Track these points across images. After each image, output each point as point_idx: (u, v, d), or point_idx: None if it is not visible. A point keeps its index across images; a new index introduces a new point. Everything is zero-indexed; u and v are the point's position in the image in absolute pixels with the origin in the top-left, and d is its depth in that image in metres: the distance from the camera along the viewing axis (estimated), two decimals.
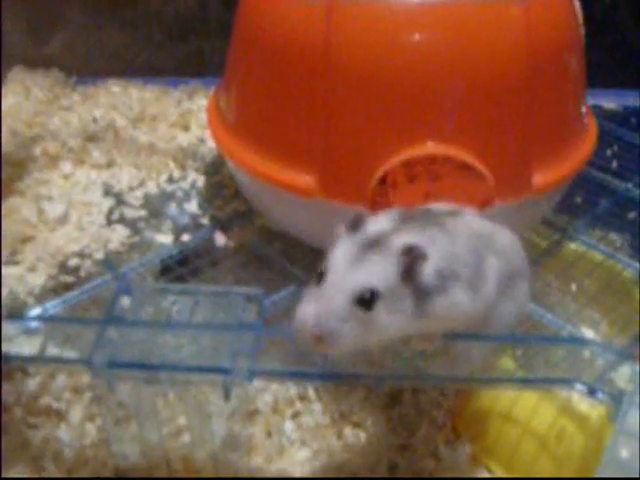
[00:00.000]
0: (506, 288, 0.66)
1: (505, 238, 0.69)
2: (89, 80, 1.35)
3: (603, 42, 1.30)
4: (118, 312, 0.76)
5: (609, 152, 1.14)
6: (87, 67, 1.40)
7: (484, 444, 0.79)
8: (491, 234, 0.67)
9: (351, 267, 0.58)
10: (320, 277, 0.58)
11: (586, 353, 0.75)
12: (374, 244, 0.59)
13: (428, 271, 0.59)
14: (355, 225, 0.61)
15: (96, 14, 1.41)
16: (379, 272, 0.58)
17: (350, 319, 0.57)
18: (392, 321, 0.58)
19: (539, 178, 0.80)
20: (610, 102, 1.26)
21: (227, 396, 0.71)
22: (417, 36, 0.74)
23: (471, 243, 0.64)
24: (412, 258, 0.58)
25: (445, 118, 0.75)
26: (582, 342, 0.76)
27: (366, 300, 0.57)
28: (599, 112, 1.21)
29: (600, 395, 0.71)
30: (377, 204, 0.77)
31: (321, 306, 0.57)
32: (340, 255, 0.59)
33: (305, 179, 0.78)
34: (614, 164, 1.12)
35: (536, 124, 0.78)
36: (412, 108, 0.74)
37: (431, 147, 0.74)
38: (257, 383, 0.82)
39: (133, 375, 0.71)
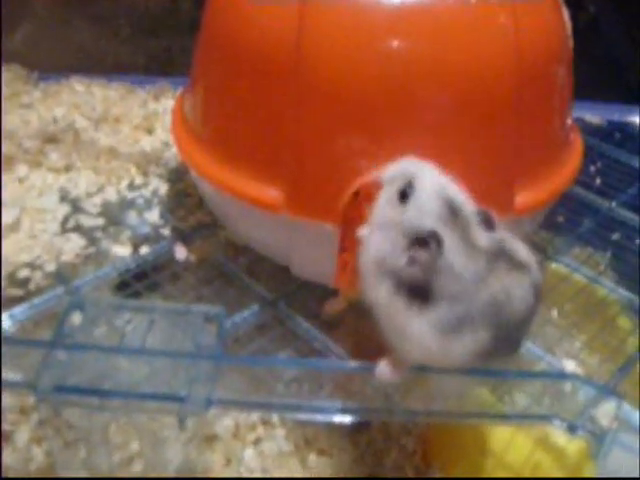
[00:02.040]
0: None
1: None
2: (52, 76, 1.29)
3: (587, 53, 1.26)
4: (68, 330, 0.73)
5: (592, 168, 1.10)
6: (50, 63, 1.33)
7: (456, 474, 0.76)
8: None
9: None
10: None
11: (567, 386, 0.72)
12: None
13: None
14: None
15: (62, 6, 1.38)
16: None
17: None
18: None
19: (522, 198, 0.75)
20: (593, 116, 1.22)
21: (182, 425, 0.68)
22: (395, 44, 0.69)
23: None
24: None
25: (423, 133, 0.70)
26: (561, 377, 0.72)
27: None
28: (582, 126, 1.17)
29: (580, 432, 0.68)
30: (348, 218, 0.72)
31: None
32: None
33: (272, 193, 0.73)
34: (598, 181, 1.08)
35: (520, 141, 0.73)
36: (388, 121, 0.69)
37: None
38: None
39: (82, 401, 0.67)
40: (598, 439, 0.68)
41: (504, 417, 0.72)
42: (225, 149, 0.78)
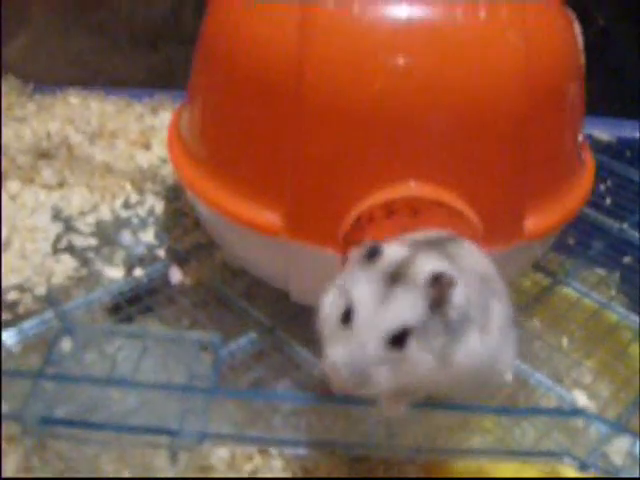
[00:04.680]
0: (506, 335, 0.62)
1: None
2: (48, 88, 1.26)
3: (596, 67, 1.24)
4: (58, 357, 0.72)
5: (602, 187, 1.07)
6: (47, 74, 1.30)
7: None
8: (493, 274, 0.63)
9: (380, 305, 0.56)
10: (346, 316, 0.57)
11: (578, 420, 0.69)
12: (397, 276, 0.57)
13: (458, 299, 0.57)
14: (371, 255, 0.58)
15: (59, 17, 1.34)
16: (409, 307, 0.56)
17: (385, 361, 0.55)
18: (424, 358, 0.56)
19: (532, 223, 0.72)
20: (603, 132, 1.19)
21: (174, 459, 0.67)
22: (400, 64, 0.66)
23: (478, 280, 0.61)
24: (441, 286, 0.56)
25: (429, 155, 0.67)
26: (573, 413, 0.69)
27: (398, 338, 0.55)
28: (592, 143, 1.14)
29: (592, 471, 0.65)
30: (350, 242, 0.69)
31: (353, 350, 0.55)
32: (364, 292, 0.57)
33: (270, 216, 0.70)
34: (608, 201, 1.05)
35: (530, 164, 0.70)
36: (392, 143, 0.67)
37: (413, 188, 0.67)
38: None
39: (69, 433, 0.66)
40: (610, 477, 0.66)
41: (512, 453, 0.69)
42: (222, 170, 0.75)
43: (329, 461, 0.75)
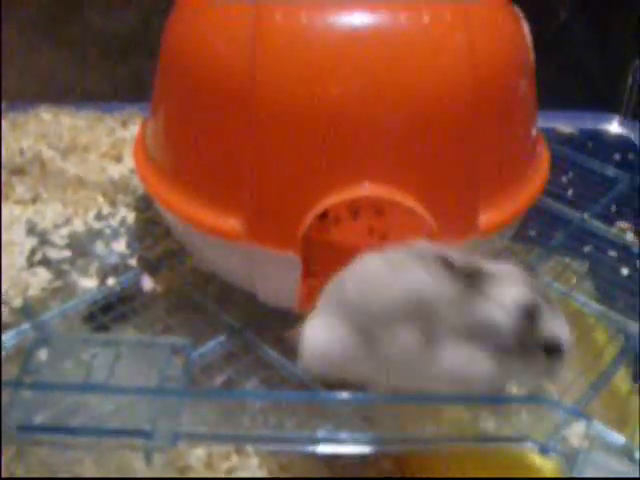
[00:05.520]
0: None
1: None
2: (19, 106, 1.27)
3: (558, 61, 1.26)
4: (35, 366, 0.72)
5: (564, 179, 1.09)
6: (17, 92, 1.31)
7: None
8: None
9: None
10: None
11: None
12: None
13: None
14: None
15: (29, 33, 1.35)
16: None
17: None
18: None
19: (487, 217, 0.74)
20: (566, 125, 1.21)
21: (149, 460, 0.67)
22: (349, 67, 0.68)
23: None
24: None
25: (382, 157, 0.70)
26: (530, 400, 0.71)
27: None
28: (554, 136, 1.17)
29: (552, 454, 0.67)
30: (314, 241, 0.73)
31: None
32: None
33: (231, 222, 0.72)
34: (570, 192, 1.07)
35: (482, 160, 0.73)
36: (345, 146, 0.69)
37: (368, 189, 0.69)
38: None
39: (49, 439, 0.67)
40: (570, 459, 0.67)
41: (474, 440, 0.71)
42: (184, 178, 0.77)
43: (304, 458, 0.77)
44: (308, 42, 0.69)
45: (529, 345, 0.62)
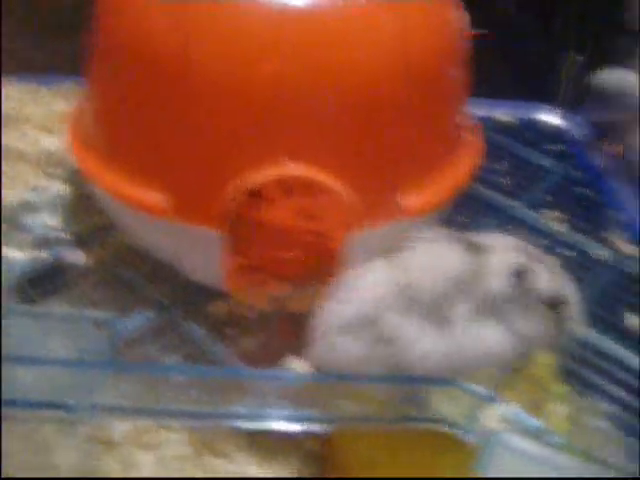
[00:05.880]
0: None
1: None
2: None
3: (501, 52, 1.27)
4: None
5: (499, 167, 1.10)
6: None
7: (355, 475, 0.75)
8: None
9: None
10: None
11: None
12: None
13: None
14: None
15: None
16: None
17: None
18: None
19: (411, 201, 0.75)
20: (505, 114, 1.22)
21: (74, 433, 0.70)
22: (282, 45, 0.68)
23: None
24: None
25: (307, 136, 0.70)
26: (448, 382, 0.72)
27: None
28: (493, 125, 1.18)
29: (467, 435, 0.69)
30: (244, 220, 0.73)
31: None
32: None
33: (156, 197, 0.72)
34: (505, 180, 1.08)
35: (407, 144, 0.74)
36: (270, 125, 0.69)
37: (291, 168, 0.69)
38: None
39: None
40: (483, 441, 0.69)
41: (392, 421, 0.72)
42: (113, 153, 0.77)
43: (230, 435, 0.77)
44: (242, 19, 0.69)
45: (532, 306, 0.64)
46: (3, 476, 0.70)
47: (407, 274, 0.64)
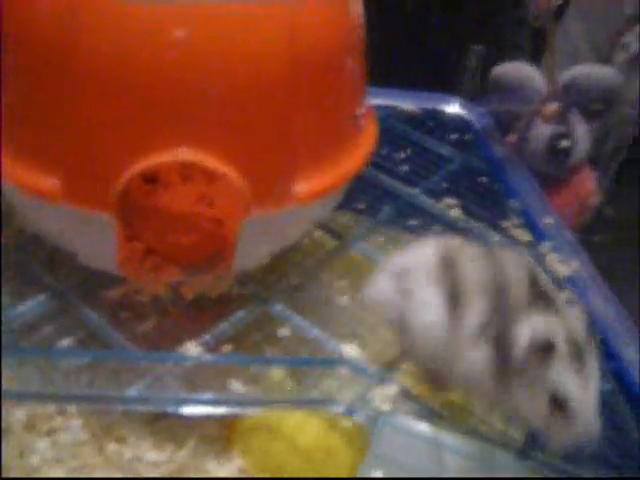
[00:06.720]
0: None
1: None
2: None
3: (407, 43, 1.29)
4: None
5: (401, 156, 1.12)
6: None
7: (251, 459, 0.76)
8: None
9: None
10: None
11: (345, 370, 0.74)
12: None
13: None
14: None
15: None
16: None
17: None
18: None
19: (304, 187, 0.76)
20: (409, 104, 1.24)
21: None
22: (171, 33, 0.68)
23: None
24: None
25: (198, 122, 0.70)
26: (335, 362, 0.74)
27: None
28: (397, 114, 1.20)
29: (358, 415, 0.71)
30: (140, 205, 0.72)
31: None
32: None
33: (49, 182, 0.72)
34: (404, 168, 1.11)
35: (298, 131, 0.74)
36: (159, 109, 0.69)
37: (181, 154, 0.70)
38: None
39: None
40: (373, 421, 0.71)
41: (284, 402, 0.73)
42: (7, 136, 0.75)
43: (128, 419, 0.78)
44: (130, 6, 0.69)
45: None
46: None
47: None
